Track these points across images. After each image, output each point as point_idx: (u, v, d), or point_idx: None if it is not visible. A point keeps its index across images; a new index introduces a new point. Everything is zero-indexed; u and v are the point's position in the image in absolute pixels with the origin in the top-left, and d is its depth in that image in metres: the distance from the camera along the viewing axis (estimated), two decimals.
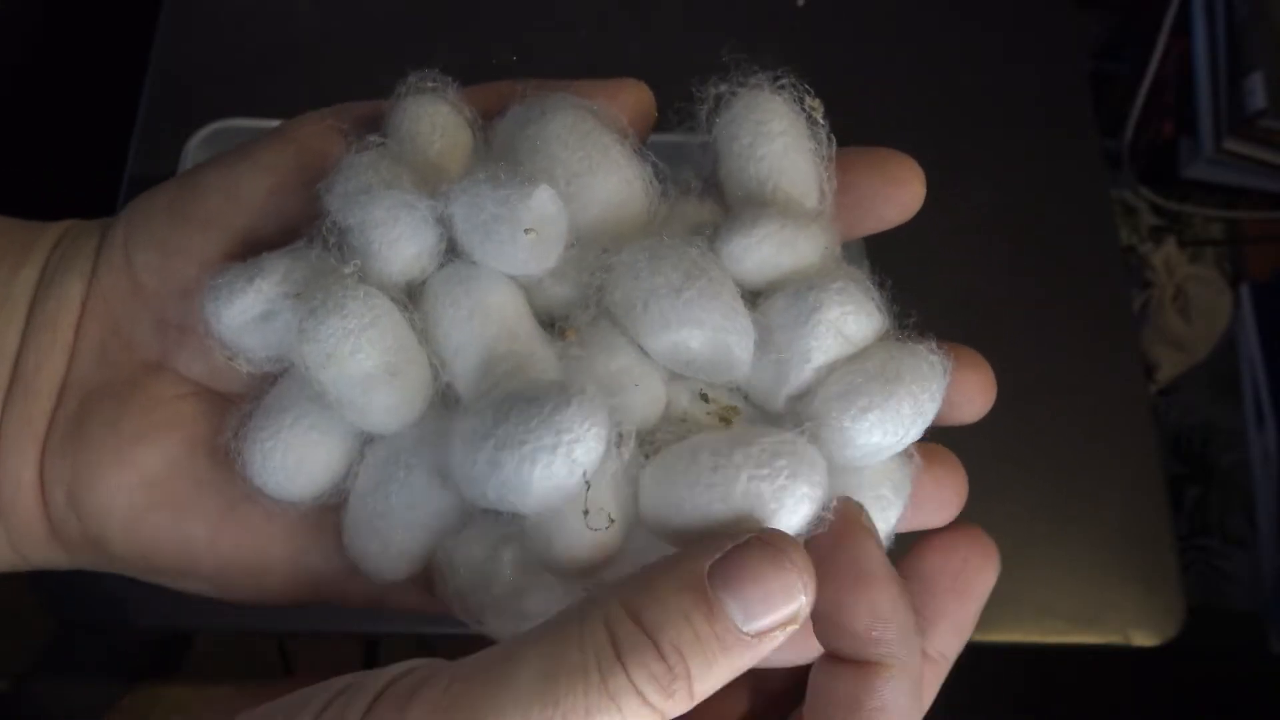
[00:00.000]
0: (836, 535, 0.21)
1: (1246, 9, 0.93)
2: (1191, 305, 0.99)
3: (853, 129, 0.72)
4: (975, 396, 0.26)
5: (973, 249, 0.74)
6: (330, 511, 0.25)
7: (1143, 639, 0.64)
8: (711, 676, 0.19)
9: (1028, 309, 0.72)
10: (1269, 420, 0.94)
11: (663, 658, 0.19)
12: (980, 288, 0.73)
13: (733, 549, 0.20)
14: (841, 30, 0.80)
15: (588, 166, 0.24)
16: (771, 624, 0.20)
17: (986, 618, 0.71)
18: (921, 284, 0.75)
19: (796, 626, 0.20)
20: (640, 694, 0.19)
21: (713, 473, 0.21)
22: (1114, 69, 1.10)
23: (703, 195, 0.26)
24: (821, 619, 0.21)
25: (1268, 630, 0.93)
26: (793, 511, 0.21)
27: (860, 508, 0.21)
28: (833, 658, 0.21)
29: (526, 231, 0.22)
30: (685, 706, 0.19)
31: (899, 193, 0.26)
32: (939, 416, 0.24)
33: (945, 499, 0.26)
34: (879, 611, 0.20)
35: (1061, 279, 0.73)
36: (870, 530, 0.21)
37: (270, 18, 0.73)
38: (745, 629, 0.19)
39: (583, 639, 0.19)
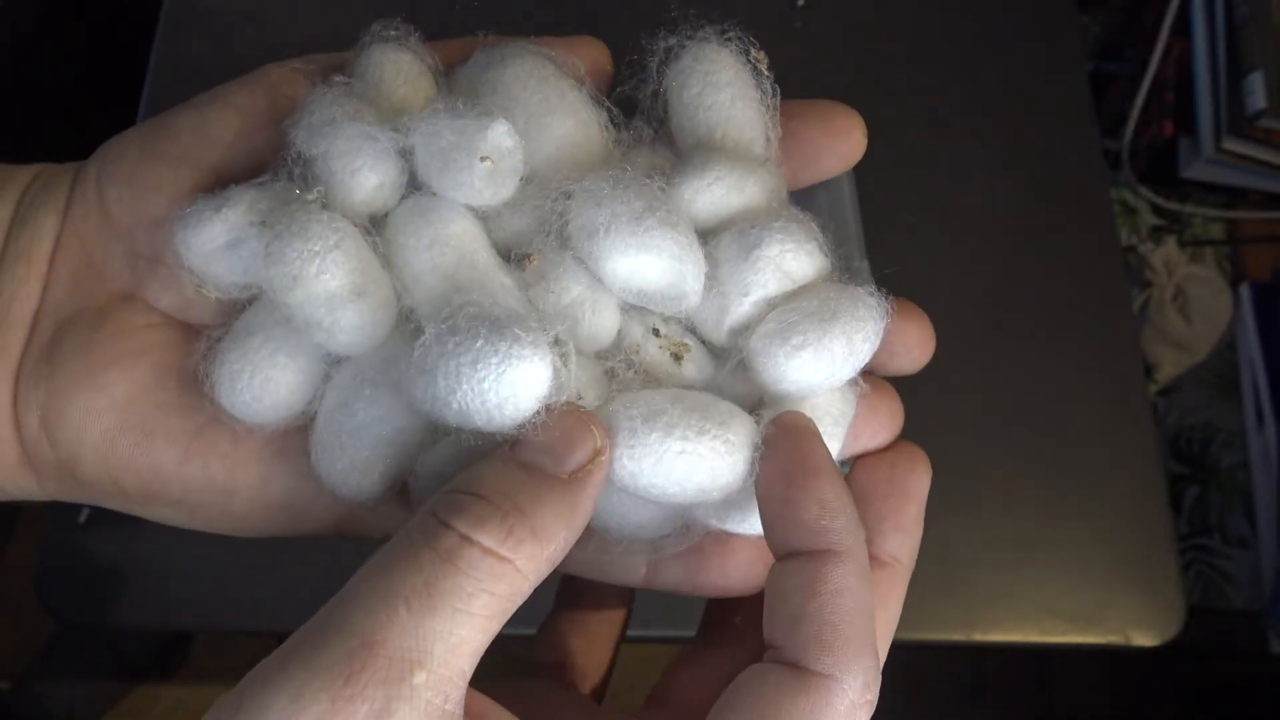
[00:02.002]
0: (785, 442, 0.22)
1: (1246, 9, 0.93)
2: (1191, 305, 0.99)
3: None
4: (914, 347, 0.27)
5: (973, 249, 0.74)
6: (297, 436, 0.25)
7: (1143, 639, 0.64)
8: (545, 511, 0.20)
9: (1028, 309, 0.72)
10: (1269, 420, 0.93)
11: (488, 500, 0.20)
12: (980, 288, 0.73)
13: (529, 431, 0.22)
14: (841, 29, 0.80)
15: (545, 108, 0.25)
16: (580, 460, 0.21)
17: (987, 617, 0.71)
18: (921, 284, 0.75)
19: (604, 460, 0.22)
20: (476, 542, 0.19)
21: (678, 455, 0.22)
22: (1114, 69, 1.10)
23: (655, 144, 0.27)
24: (774, 520, 0.22)
25: (1268, 630, 0.93)
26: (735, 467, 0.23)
27: (806, 417, 0.23)
28: (787, 558, 0.22)
29: (482, 159, 0.23)
30: (535, 548, 0.20)
31: (840, 142, 0.28)
32: (879, 366, 0.26)
33: (881, 423, 0.27)
34: (826, 502, 0.21)
35: (1061, 279, 0.73)
36: (816, 434, 0.23)
37: (270, 18, 0.73)
38: (558, 469, 0.21)
39: (410, 533, 0.20)
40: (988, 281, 0.73)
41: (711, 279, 0.24)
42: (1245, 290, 0.98)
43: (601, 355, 0.25)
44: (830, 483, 0.22)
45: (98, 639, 1.09)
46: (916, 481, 0.27)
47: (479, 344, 0.21)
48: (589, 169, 0.26)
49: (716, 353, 0.25)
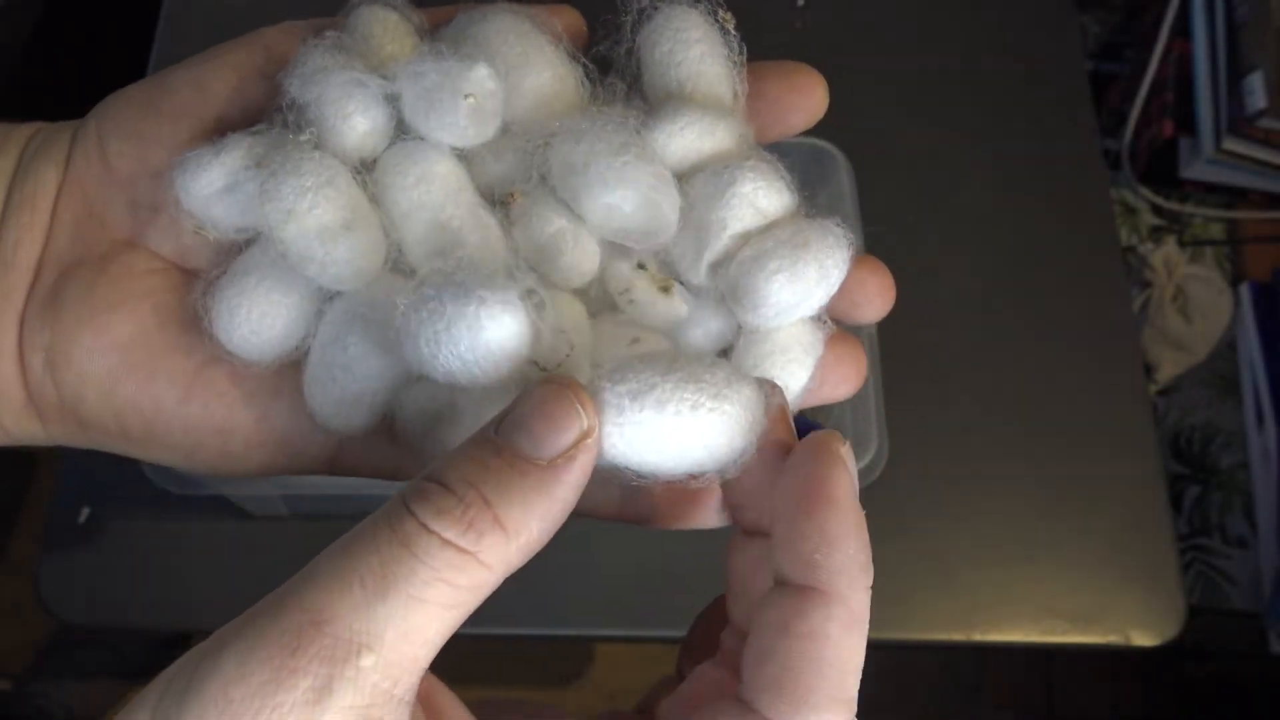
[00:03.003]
0: (807, 460, 0.21)
1: (1246, 9, 0.93)
2: (1191, 305, 0.99)
3: (853, 127, 0.71)
4: (875, 297, 0.28)
5: (973, 249, 0.74)
6: (291, 376, 0.26)
7: (1143, 639, 0.64)
8: (513, 501, 0.19)
9: (1028, 309, 0.72)
10: (1269, 420, 0.93)
11: (451, 491, 0.19)
12: (980, 288, 0.73)
13: (512, 402, 0.21)
14: (841, 30, 0.80)
15: (524, 60, 0.27)
16: (562, 445, 0.20)
17: (987, 617, 0.71)
18: (921, 284, 0.75)
19: (590, 443, 0.20)
20: (434, 532, 0.19)
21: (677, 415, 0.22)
22: (1114, 69, 1.10)
23: (629, 98, 0.28)
24: (776, 542, 0.21)
25: (1268, 630, 0.93)
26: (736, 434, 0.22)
27: (841, 440, 0.22)
28: (777, 587, 0.21)
29: (466, 97, 0.25)
30: (499, 539, 0.19)
31: (804, 99, 0.28)
32: (843, 316, 0.27)
33: (845, 373, 0.28)
34: (827, 535, 0.20)
35: (1061, 279, 0.73)
36: (841, 460, 0.21)
37: (269, 18, 0.73)
38: (536, 454, 0.20)
39: (376, 516, 0.20)
40: (988, 281, 0.73)
41: (686, 218, 0.26)
42: (1245, 290, 0.98)
43: (582, 292, 0.26)
44: (839, 515, 0.20)
45: (98, 639, 1.09)
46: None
47: (448, 309, 0.22)
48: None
49: (694, 292, 0.27)
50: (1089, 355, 0.71)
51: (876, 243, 0.62)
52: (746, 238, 0.25)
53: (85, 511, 0.62)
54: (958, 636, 0.63)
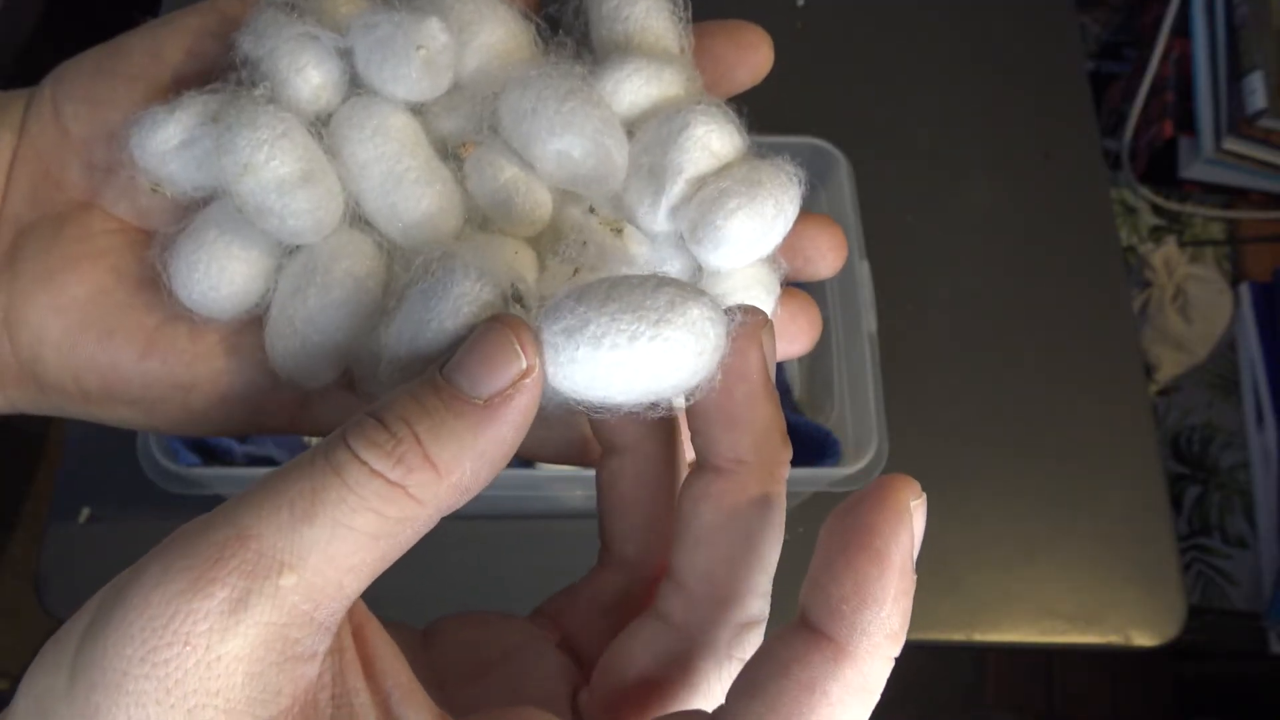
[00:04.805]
0: (869, 505, 0.20)
1: (1246, 9, 0.93)
2: (1191, 305, 0.99)
3: (853, 127, 0.71)
4: (828, 252, 0.28)
5: (973, 249, 0.74)
6: (252, 332, 0.26)
7: (1143, 639, 0.64)
8: (445, 441, 0.20)
9: (1028, 309, 0.72)
10: (1269, 420, 0.94)
11: (385, 426, 0.19)
12: (980, 288, 0.73)
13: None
14: (841, 30, 0.80)
15: (477, 17, 0.27)
16: (498, 385, 0.20)
17: (987, 618, 0.71)
18: (921, 284, 0.75)
19: (530, 384, 0.20)
20: (365, 463, 0.19)
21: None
22: (1114, 69, 1.10)
23: (578, 55, 0.29)
24: (808, 579, 0.20)
25: (1268, 630, 0.93)
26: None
27: (916, 491, 0.20)
28: (800, 626, 0.19)
29: (418, 49, 0.25)
30: (429, 476, 0.19)
31: (750, 56, 0.29)
32: (797, 273, 0.28)
33: (801, 328, 0.28)
34: (860, 589, 0.19)
35: (1061, 279, 0.73)
36: (909, 518, 0.20)
37: None
38: (473, 394, 0.20)
39: (315, 447, 0.20)
40: (988, 282, 0.73)
41: (638, 164, 0.26)
42: (1245, 290, 0.98)
43: (535, 240, 0.26)
44: (881, 572, 0.19)
45: None
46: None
47: (434, 300, 0.22)
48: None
49: (650, 237, 0.27)
50: (1089, 355, 0.71)
51: (876, 243, 0.62)
52: (702, 181, 0.25)
53: (85, 511, 0.62)
54: (958, 636, 0.63)
